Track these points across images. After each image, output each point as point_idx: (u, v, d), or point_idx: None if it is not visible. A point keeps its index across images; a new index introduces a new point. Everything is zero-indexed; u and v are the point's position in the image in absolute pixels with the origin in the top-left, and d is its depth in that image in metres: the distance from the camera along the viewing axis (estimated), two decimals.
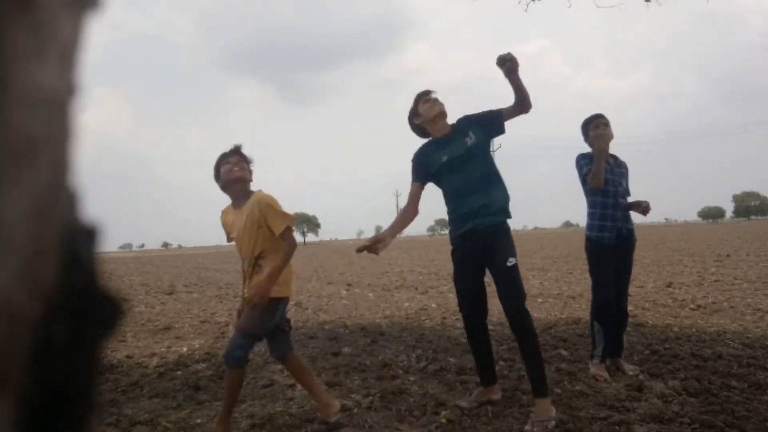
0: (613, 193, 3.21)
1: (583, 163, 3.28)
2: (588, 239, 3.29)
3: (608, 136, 3.15)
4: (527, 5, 5.14)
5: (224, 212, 2.64)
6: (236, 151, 2.56)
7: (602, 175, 3.12)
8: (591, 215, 3.27)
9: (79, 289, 0.22)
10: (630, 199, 3.36)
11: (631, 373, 3.12)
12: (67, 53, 0.21)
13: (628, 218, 3.29)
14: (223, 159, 2.54)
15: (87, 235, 0.22)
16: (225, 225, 2.62)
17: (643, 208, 3.29)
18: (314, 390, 2.58)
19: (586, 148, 3.34)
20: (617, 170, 3.29)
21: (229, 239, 2.60)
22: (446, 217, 2.90)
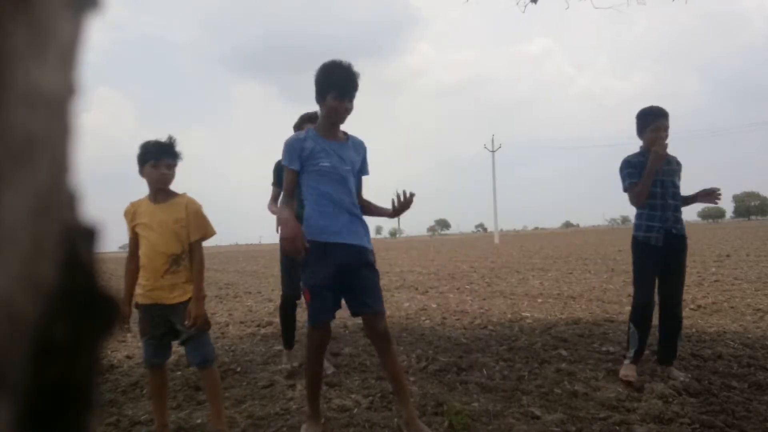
0: (662, 193, 3.09)
1: (626, 173, 3.14)
2: (634, 239, 3.19)
3: (666, 147, 3.02)
4: (525, 6, 5.14)
5: (134, 204, 2.47)
6: (171, 151, 2.40)
7: (646, 192, 3.06)
8: (638, 215, 3.17)
9: (79, 289, 0.22)
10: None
11: (682, 379, 2.97)
12: (67, 53, 0.21)
13: (678, 219, 3.14)
14: (159, 159, 2.36)
15: (87, 235, 0.22)
16: (130, 214, 2.45)
17: (710, 195, 3.14)
18: (218, 412, 2.50)
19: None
20: (667, 168, 3.12)
21: (133, 230, 2.43)
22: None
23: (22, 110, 0.19)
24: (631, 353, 3.13)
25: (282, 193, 2.51)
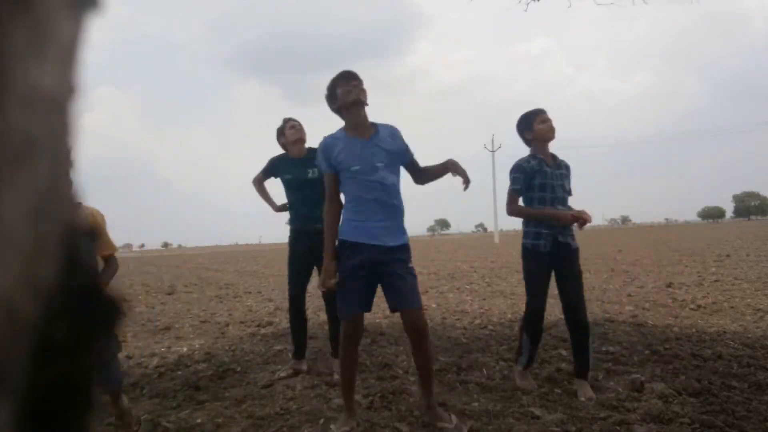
0: (551, 199, 2.96)
1: (514, 177, 3.01)
2: (523, 247, 3.05)
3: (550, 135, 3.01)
4: (527, 5, 5.14)
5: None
6: None
7: (527, 218, 3.03)
8: (526, 222, 3.05)
9: (79, 289, 0.22)
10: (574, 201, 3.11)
11: (583, 399, 2.78)
12: (67, 53, 0.21)
13: (567, 226, 2.99)
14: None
15: (87, 235, 0.22)
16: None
17: (579, 220, 2.93)
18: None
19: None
20: (556, 172, 3.02)
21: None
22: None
23: (22, 110, 0.19)
24: (522, 360, 3.09)
25: (326, 199, 2.60)
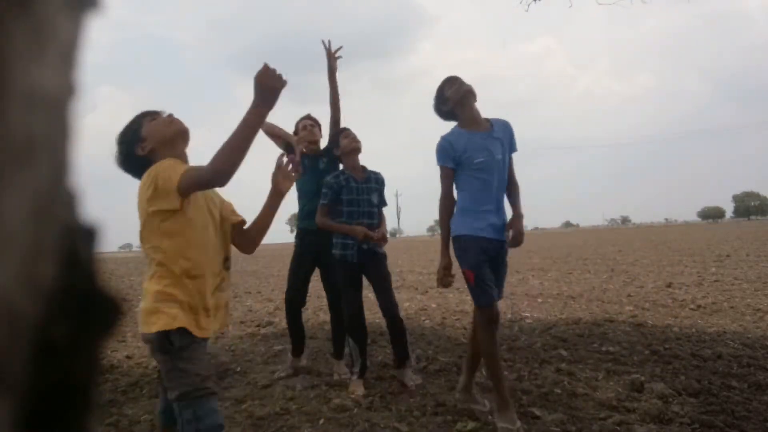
0: (357, 213, 3.15)
1: (323, 192, 3.21)
2: (332, 257, 3.24)
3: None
4: (528, 5, 5.14)
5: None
6: None
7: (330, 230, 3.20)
8: (335, 234, 3.21)
9: (79, 289, 0.22)
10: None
11: (410, 384, 3.05)
12: (67, 53, 0.21)
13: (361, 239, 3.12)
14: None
15: (87, 235, 0.22)
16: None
17: (368, 237, 3.11)
18: None
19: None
20: (363, 186, 3.19)
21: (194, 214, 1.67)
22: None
23: (22, 110, 0.19)
24: (357, 368, 3.15)
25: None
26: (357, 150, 3.22)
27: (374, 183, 3.25)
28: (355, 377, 3.14)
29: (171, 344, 1.58)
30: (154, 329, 1.58)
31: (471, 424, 2.50)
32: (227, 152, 1.51)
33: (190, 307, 1.64)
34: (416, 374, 3.21)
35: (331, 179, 3.16)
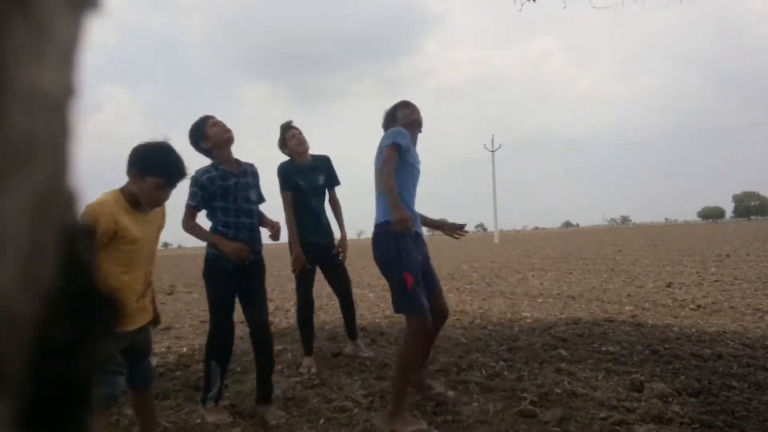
0: (234, 210, 2.71)
1: (191, 191, 2.70)
2: (206, 259, 2.74)
3: None
4: (521, 5, 5.14)
5: (115, 205, 1.96)
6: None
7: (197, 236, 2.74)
8: (212, 232, 2.73)
9: (79, 289, 0.22)
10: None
11: (273, 422, 2.62)
12: (66, 53, 0.21)
13: (255, 239, 2.77)
14: (173, 184, 2.11)
15: (87, 235, 0.22)
16: (118, 223, 1.93)
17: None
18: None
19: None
20: (242, 181, 2.75)
21: (127, 240, 1.95)
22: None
23: (21, 110, 0.19)
24: (214, 393, 2.75)
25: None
26: (232, 140, 2.76)
27: (251, 177, 2.84)
28: (210, 404, 2.74)
29: None
30: None
31: (470, 423, 2.49)
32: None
33: None
34: (280, 411, 2.77)
35: (203, 177, 2.67)
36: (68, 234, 0.21)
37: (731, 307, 5.38)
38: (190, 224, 2.71)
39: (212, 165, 2.73)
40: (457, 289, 8.33)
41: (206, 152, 2.76)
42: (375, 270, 13.08)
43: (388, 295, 2.76)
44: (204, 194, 2.68)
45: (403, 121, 2.81)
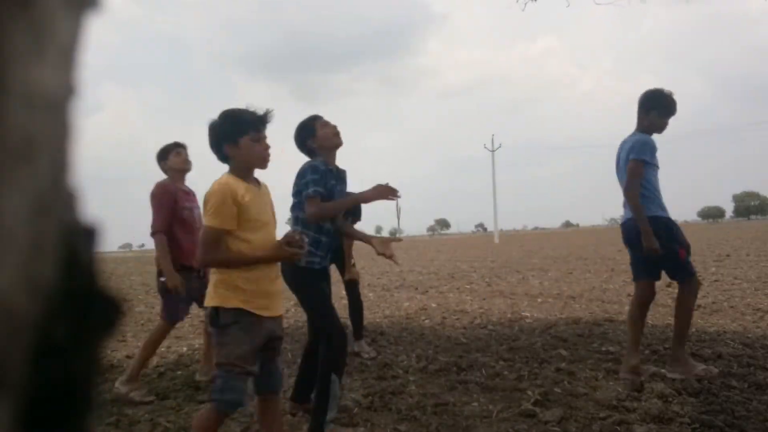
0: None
1: (311, 179, 2.45)
2: (300, 269, 2.46)
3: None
4: (525, 4, 5.15)
5: (235, 182, 1.90)
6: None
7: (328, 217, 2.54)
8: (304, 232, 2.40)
9: (79, 289, 0.22)
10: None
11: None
12: (66, 53, 0.21)
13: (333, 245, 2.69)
14: (260, 130, 1.99)
15: (87, 235, 0.22)
16: (242, 200, 1.86)
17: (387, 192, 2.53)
18: None
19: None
20: (338, 188, 2.60)
21: (253, 223, 1.89)
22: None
23: (21, 110, 0.19)
24: (333, 414, 2.40)
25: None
26: (340, 144, 2.66)
27: (344, 186, 2.73)
28: (329, 427, 2.42)
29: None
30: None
31: (470, 423, 2.49)
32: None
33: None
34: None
35: (323, 166, 2.50)
36: (69, 234, 0.21)
37: (731, 307, 5.38)
38: (320, 207, 2.44)
39: (322, 161, 2.54)
40: (457, 289, 8.32)
41: (309, 151, 2.63)
42: (375, 270, 13.03)
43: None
44: (325, 182, 2.48)
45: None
